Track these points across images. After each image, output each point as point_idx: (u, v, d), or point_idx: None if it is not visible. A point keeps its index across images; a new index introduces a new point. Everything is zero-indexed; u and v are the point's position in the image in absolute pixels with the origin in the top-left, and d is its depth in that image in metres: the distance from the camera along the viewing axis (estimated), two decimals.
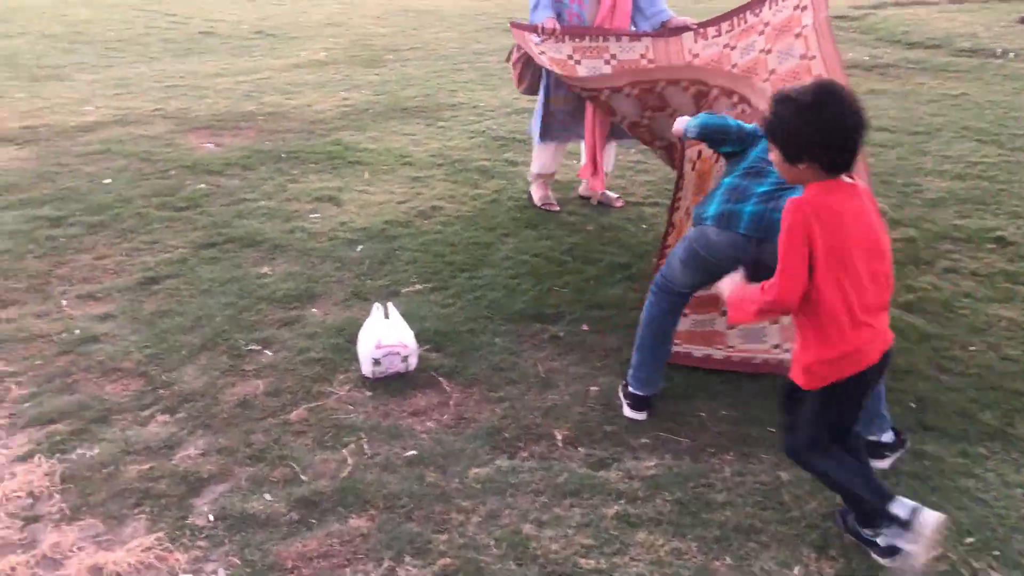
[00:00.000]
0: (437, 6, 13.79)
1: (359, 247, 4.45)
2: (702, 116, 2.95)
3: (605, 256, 4.28)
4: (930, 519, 2.18)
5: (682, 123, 3.00)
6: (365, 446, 2.84)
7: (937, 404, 3.01)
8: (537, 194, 5.04)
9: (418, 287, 3.97)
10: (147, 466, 2.75)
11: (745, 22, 3.88)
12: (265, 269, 4.19)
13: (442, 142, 6.41)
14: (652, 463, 2.73)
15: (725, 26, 3.97)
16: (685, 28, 4.15)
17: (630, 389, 2.99)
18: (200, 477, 2.71)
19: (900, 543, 2.21)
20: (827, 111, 2.07)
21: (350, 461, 2.77)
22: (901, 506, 2.22)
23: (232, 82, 8.59)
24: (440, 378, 3.24)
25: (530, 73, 4.78)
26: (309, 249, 4.42)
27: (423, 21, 12.64)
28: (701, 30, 4.06)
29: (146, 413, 3.04)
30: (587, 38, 4.23)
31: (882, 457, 2.68)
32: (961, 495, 2.56)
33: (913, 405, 3.01)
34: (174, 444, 2.87)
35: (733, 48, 3.92)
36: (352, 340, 3.46)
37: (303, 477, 2.70)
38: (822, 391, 2.22)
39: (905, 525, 2.20)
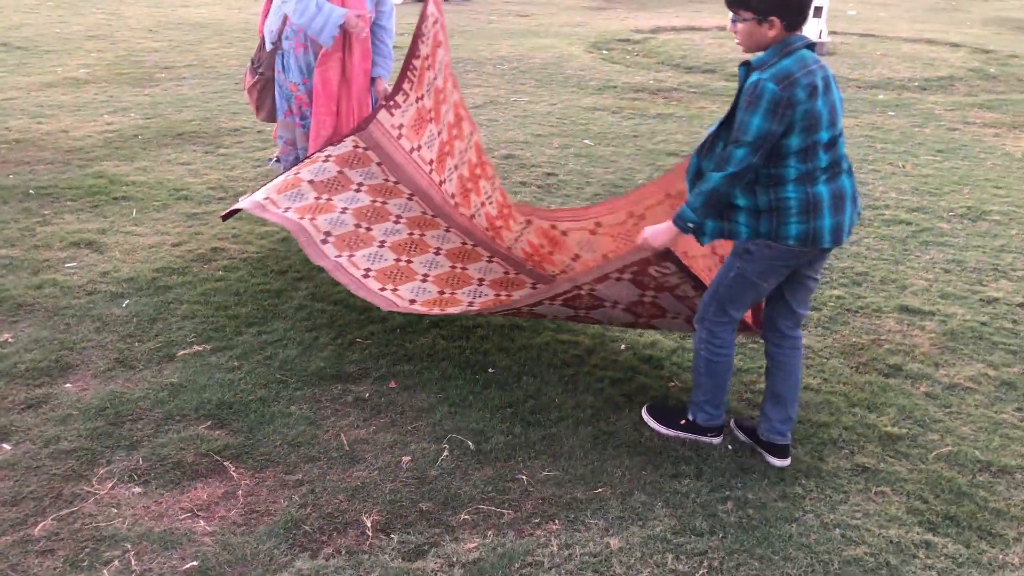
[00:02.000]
0: (216, 19, 12.90)
1: (125, 302, 3.85)
2: (690, 203, 2.61)
3: None
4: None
5: (664, 233, 2.65)
6: (132, 561, 2.36)
7: (753, 445, 2.98)
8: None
9: (197, 348, 3.47)
10: None
11: (416, 71, 3.97)
12: (4, 336, 3.51)
13: (223, 172, 5.83)
14: (474, 544, 2.47)
15: (406, 84, 3.97)
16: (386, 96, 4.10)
17: (713, 423, 2.93)
18: None
19: None
20: None
21: None
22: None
23: None
24: (226, 462, 2.79)
25: (269, 98, 4.59)
26: (62, 308, 3.77)
27: (200, 35, 11.74)
28: (391, 102, 3.97)
29: None
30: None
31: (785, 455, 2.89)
32: (786, 543, 2.51)
33: (731, 447, 2.96)
34: None
35: (422, 97, 3.99)
36: (116, 420, 2.93)
37: None
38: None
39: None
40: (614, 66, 10.39)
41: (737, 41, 2.62)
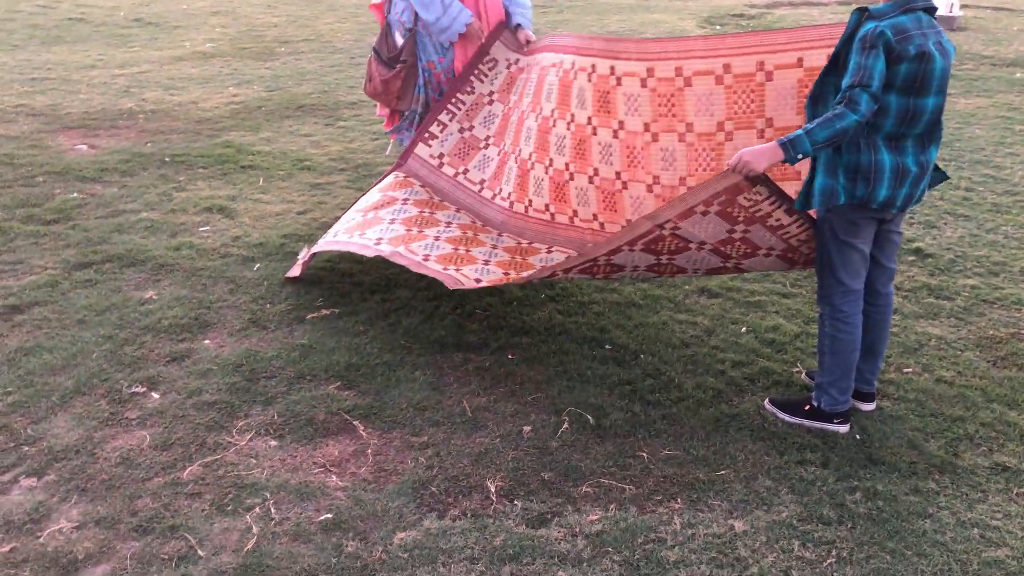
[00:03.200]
0: None
1: (256, 266, 4.03)
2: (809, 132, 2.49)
3: None
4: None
5: (767, 155, 2.49)
6: (272, 509, 2.48)
7: (882, 435, 2.89)
8: None
9: (325, 312, 3.61)
10: (7, 548, 2.31)
11: (464, 104, 4.02)
12: (149, 293, 3.73)
13: (343, 144, 6.00)
14: (596, 516, 2.49)
15: (444, 116, 4.01)
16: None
17: (838, 408, 2.89)
18: (75, 558, 2.29)
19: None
20: None
21: (255, 529, 2.41)
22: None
23: (108, 75, 7.89)
24: (355, 421, 2.90)
25: (412, 84, 4.22)
26: (199, 269, 3.97)
27: (316, 11, 12.06)
28: (426, 134, 4.02)
29: (7, 477, 2.59)
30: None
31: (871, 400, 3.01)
32: (919, 539, 2.43)
33: (858, 436, 2.88)
34: (42, 516, 2.44)
35: (471, 128, 4.02)
36: (252, 376, 3.09)
37: (200, 552, 2.32)
38: None
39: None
40: None
41: None
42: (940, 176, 2.81)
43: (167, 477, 2.61)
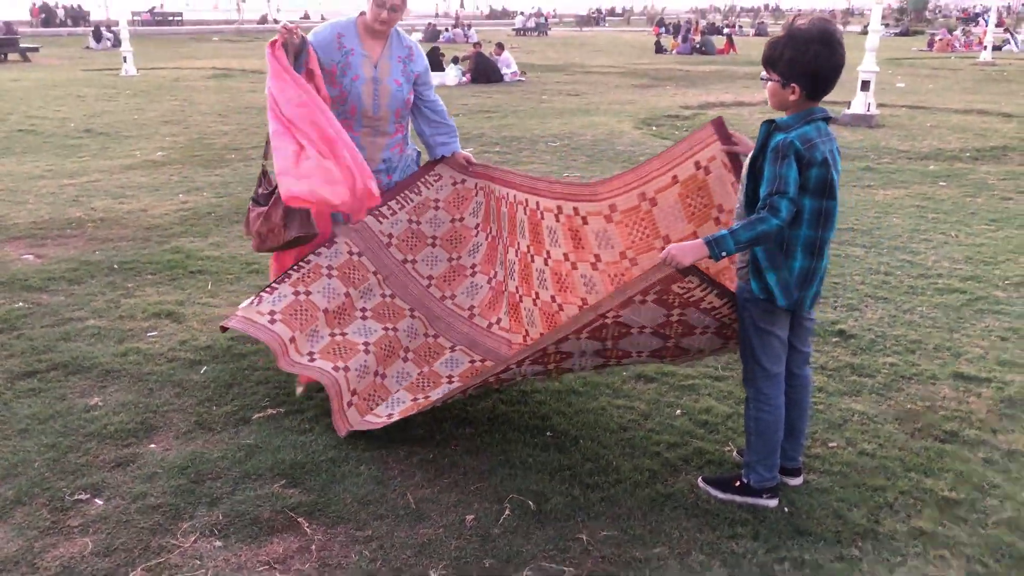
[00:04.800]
0: None
1: (203, 368, 4.10)
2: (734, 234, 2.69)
3: None
4: None
5: (693, 252, 2.69)
6: None
7: (808, 507, 3.03)
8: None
9: (271, 412, 3.67)
10: None
11: (410, 201, 4.14)
12: (94, 400, 3.76)
13: None
14: None
15: (394, 203, 4.10)
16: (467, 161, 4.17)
17: (767, 484, 3.04)
18: None
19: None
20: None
21: None
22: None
23: (56, 185, 8.01)
24: (300, 518, 2.94)
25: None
26: (145, 374, 4.02)
27: (266, 118, 12.39)
28: (376, 211, 4.03)
29: None
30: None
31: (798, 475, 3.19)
32: None
33: (787, 509, 3.01)
34: None
35: (419, 223, 4.15)
36: (197, 478, 3.12)
37: None
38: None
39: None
40: (664, 141, 10.65)
41: (766, 97, 2.86)
42: None
43: None
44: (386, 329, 3.94)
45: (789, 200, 2.66)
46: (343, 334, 3.81)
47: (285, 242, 3.81)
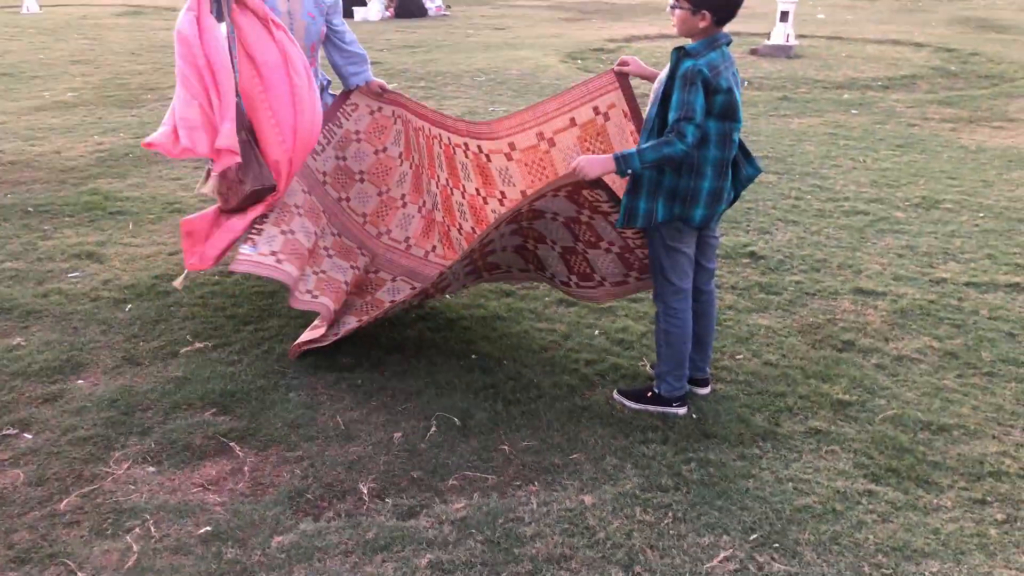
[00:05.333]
0: None
1: (128, 307, 4.10)
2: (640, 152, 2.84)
3: None
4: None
5: (600, 165, 2.85)
6: (152, 528, 2.60)
7: (715, 413, 3.26)
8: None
9: (199, 345, 3.72)
10: None
11: (334, 135, 4.16)
12: (17, 340, 3.74)
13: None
14: (461, 505, 2.72)
15: (322, 138, 4.08)
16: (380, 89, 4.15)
17: (676, 393, 3.23)
18: None
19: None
20: None
21: (135, 548, 2.52)
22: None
23: None
24: (231, 443, 3.04)
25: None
26: (69, 314, 4.01)
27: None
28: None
29: None
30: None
31: (706, 385, 3.40)
32: (743, 496, 2.78)
33: (695, 416, 3.24)
34: None
35: (344, 159, 4.18)
36: (127, 410, 3.18)
37: (80, 575, 2.41)
38: None
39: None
40: (588, 75, 10.70)
41: (673, 24, 2.99)
42: (755, 171, 3.18)
43: (43, 510, 2.68)
44: (352, 267, 4.01)
45: (695, 126, 2.80)
46: (323, 271, 3.87)
47: (246, 196, 3.71)
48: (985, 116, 8.50)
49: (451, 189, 3.99)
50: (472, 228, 3.96)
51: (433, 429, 3.14)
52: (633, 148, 2.86)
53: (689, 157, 2.87)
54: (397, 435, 3.11)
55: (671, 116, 2.84)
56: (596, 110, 3.39)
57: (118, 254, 4.76)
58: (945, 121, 8.27)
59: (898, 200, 5.80)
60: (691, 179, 2.95)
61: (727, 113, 2.90)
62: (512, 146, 3.61)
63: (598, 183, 2.95)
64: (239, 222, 3.64)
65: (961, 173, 6.45)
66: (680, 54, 2.90)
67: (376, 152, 4.22)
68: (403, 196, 4.27)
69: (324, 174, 4.15)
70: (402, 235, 4.26)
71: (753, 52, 12.23)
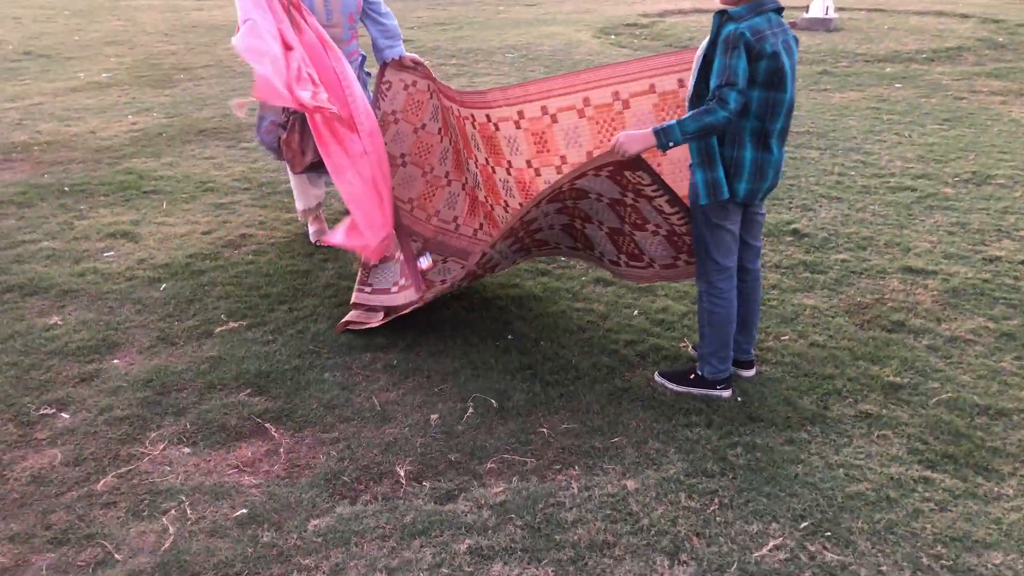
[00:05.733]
0: (230, 20, 13.13)
1: (162, 286, 4.08)
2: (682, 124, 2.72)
3: None
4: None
5: (640, 141, 2.73)
6: (188, 510, 2.57)
7: (760, 396, 3.15)
8: (311, 229, 4.64)
9: (233, 325, 3.68)
10: None
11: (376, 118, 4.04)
12: (54, 319, 3.73)
13: (246, 165, 6.05)
14: (499, 488, 2.66)
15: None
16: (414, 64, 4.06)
17: (720, 375, 3.12)
18: None
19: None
20: None
21: (172, 530, 2.49)
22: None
23: None
24: (267, 424, 3.00)
25: (312, 147, 3.86)
26: (104, 293, 4.00)
27: (215, 37, 11.99)
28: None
29: None
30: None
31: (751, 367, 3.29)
32: (792, 482, 2.68)
33: (739, 399, 3.13)
34: None
35: (385, 143, 4.02)
36: (162, 390, 3.15)
37: (117, 556, 2.39)
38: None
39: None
40: (622, 50, 10.51)
41: None
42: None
43: (80, 490, 2.66)
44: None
45: (738, 92, 2.67)
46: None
47: (309, 165, 4.05)
48: None
49: (493, 168, 3.88)
50: (520, 204, 3.86)
51: (470, 411, 3.07)
52: (673, 120, 2.74)
53: (732, 124, 2.75)
54: (434, 416, 3.05)
55: (712, 82, 2.72)
56: (681, 83, 3.25)
57: (152, 233, 4.74)
58: (994, 94, 7.98)
59: (947, 176, 5.59)
60: (733, 149, 2.83)
61: (772, 81, 2.76)
62: (587, 101, 3.42)
63: (639, 163, 2.83)
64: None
65: (1013, 147, 6.20)
66: (723, 18, 2.78)
67: (415, 130, 4.13)
68: (447, 174, 4.19)
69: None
70: (450, 215, 4.18)
71: (792, 25, 11.91)
